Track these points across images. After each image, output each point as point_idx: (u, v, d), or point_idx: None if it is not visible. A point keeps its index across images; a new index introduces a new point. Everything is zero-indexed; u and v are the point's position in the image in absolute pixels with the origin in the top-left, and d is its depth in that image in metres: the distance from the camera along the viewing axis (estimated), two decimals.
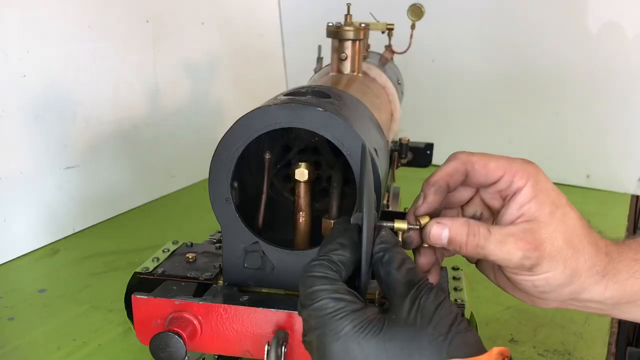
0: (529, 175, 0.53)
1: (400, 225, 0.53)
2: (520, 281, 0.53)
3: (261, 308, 0.57)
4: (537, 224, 0.51)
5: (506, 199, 0.54)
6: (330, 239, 0.49)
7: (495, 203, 0.56)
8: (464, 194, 0.58)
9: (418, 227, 0.54)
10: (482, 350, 0.43)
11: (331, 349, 0.43)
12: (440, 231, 0.52)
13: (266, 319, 0.57)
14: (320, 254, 0.48)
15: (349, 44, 0.86)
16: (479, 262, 0.59)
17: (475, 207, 0.59)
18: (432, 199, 0.55)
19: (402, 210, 0.95)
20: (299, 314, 0.47)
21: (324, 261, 0.47)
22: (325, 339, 0.43)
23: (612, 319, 0.88)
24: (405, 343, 0.42)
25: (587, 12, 1.43)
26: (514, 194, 0.53)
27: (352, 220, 0.52)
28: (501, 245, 0.51)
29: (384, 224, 0.52)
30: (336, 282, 0.46)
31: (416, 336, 0.43)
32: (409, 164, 1.05)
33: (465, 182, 0.56)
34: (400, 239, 0.54)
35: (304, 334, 0.47)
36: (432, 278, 0.56)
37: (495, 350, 0.42)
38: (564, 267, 0.51)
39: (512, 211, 0.53)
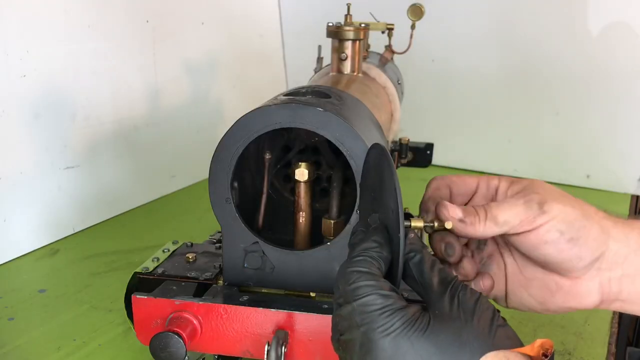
0: (499, 177, 0.58)
1: (416, 224, 0.53)
2: (546, 245, 0.52)
3: (261, 308, 0.57)
4: (526, 188, 0.55)
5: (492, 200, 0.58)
6: (365, 237, 0.49)
7: None
8: None
9: (432, 224, 0.54)
10: (521, 343, 0.44)
11: (381, 345, 0.43)
12: (453, 206, 0.54)
13: (266, 319, 0.57)
14: (359, 251, 0.48)
15: (349, 44, 0.86)
16: (508, 298, 0.60)
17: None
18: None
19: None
20: (336, 311, 0.47)
21: (367, 257, 0.47)
22: (374, 336, 0.43)
23: (612, 318, 0.88)
24: (454, 337, 0.43)
25: (587, 12, 1.42)
26: (495, 190, 0.58)
27: (371, 220, 0.53)
28: (502, 205, 0.53)
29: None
30: (380, 278, 0.46)
31: (463, 330, 0.43)
32: (409, 164, 1.05)
33: (450, 199, 0.59)
34: None
35: (340, 333, 0.46)
36: None
37: (538, 342, 0.43)
38: (572, 207, 0.53)
39: (500, 199, 0.57)
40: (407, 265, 0.49)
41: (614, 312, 0.90)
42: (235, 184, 0.61)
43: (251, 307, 0.57)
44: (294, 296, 0.62)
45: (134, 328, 0.61)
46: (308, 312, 0.56)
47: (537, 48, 1.49)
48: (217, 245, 0.73)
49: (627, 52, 1.41)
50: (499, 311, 0.46)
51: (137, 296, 0.59)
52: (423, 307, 0.46)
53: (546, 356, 0.43)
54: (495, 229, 0.53)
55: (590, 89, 1.46)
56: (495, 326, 0.44)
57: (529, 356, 0.43)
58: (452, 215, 0.53)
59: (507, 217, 0.52)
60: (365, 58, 0.99)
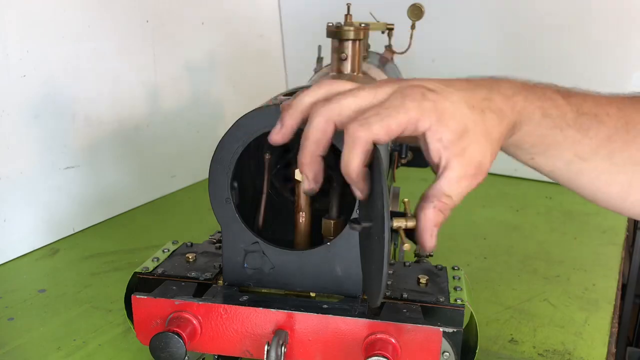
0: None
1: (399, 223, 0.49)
2: None
3: (261, 308, 0.57)
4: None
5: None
6: None
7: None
8: None
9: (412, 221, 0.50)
10: None
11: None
12: (433, 217, 0.48)
13: (266, 319, 0.57)
14: None
15: (349, 44, 0.86)
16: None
17: None
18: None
19: (402, 210, 0.94)
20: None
21: None
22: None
23: (612, 318, 0.88)
24: None
25: (589, 11, 1.42)
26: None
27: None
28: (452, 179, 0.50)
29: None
30: None
31: None
32: (409, 164, 1.05)
33: None
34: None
35: None
36: None
37: None
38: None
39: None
40: None
41: (614, 312, 0.90)
42: (235, 184, 0.61)
43: (251, 307, 0.57)
44: (293, 296, 0.62)
45: (133, 328, 0.61)
46: (308, 312, 0.56)
47: (538, 48, 1.49)
48: (217, 245, 0.73)
49: (629, 50, 1.40)
50: None
51: (137, 296, 0.59)
52: None
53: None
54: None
55: (591, 87, 1.46)
56: None
57: None
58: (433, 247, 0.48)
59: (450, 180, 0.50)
60: (365, 58, 0.99)
